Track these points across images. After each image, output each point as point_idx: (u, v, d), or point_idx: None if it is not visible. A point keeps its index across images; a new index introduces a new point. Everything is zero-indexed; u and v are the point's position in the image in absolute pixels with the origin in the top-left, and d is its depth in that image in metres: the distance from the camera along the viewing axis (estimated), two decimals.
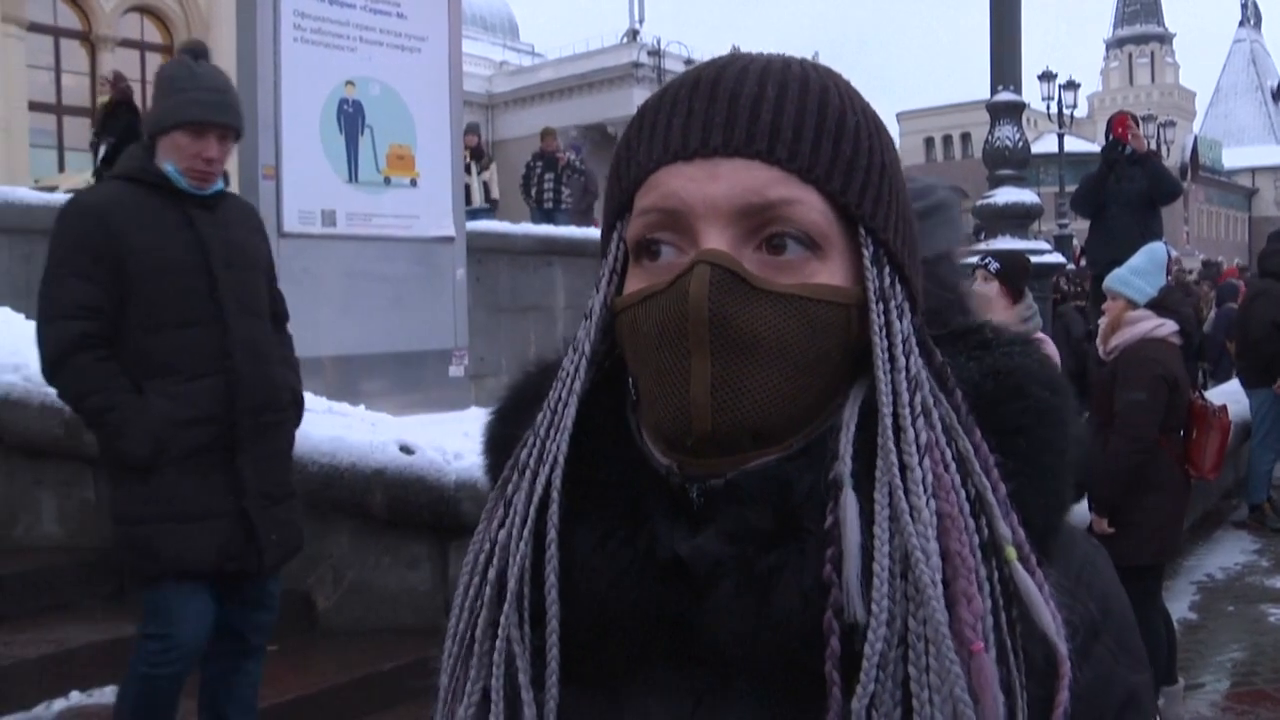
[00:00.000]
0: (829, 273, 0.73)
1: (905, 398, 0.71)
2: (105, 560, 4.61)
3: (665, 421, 0.72)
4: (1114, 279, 4.61)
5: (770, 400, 0.70)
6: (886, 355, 0.72)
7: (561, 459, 0.75)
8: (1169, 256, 5.03)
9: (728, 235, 0.71)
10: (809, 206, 0.72)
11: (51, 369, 2.90)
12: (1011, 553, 0.68)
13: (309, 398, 5.10)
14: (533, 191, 15.65)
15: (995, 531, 0.69)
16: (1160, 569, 4.57)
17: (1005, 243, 6.87)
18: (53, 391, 4.19)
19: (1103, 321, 4.67)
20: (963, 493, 0.69)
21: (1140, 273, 4.56)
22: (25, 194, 7.96)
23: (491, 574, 0.76)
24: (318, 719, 3.90)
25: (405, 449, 4.52)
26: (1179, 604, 6.06)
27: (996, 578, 0.68)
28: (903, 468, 0.69)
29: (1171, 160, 51.67)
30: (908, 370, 0.72)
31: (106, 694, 3.87)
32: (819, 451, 0.72)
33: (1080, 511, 4.63)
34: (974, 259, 5.31)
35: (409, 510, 4.45)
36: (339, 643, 4.42)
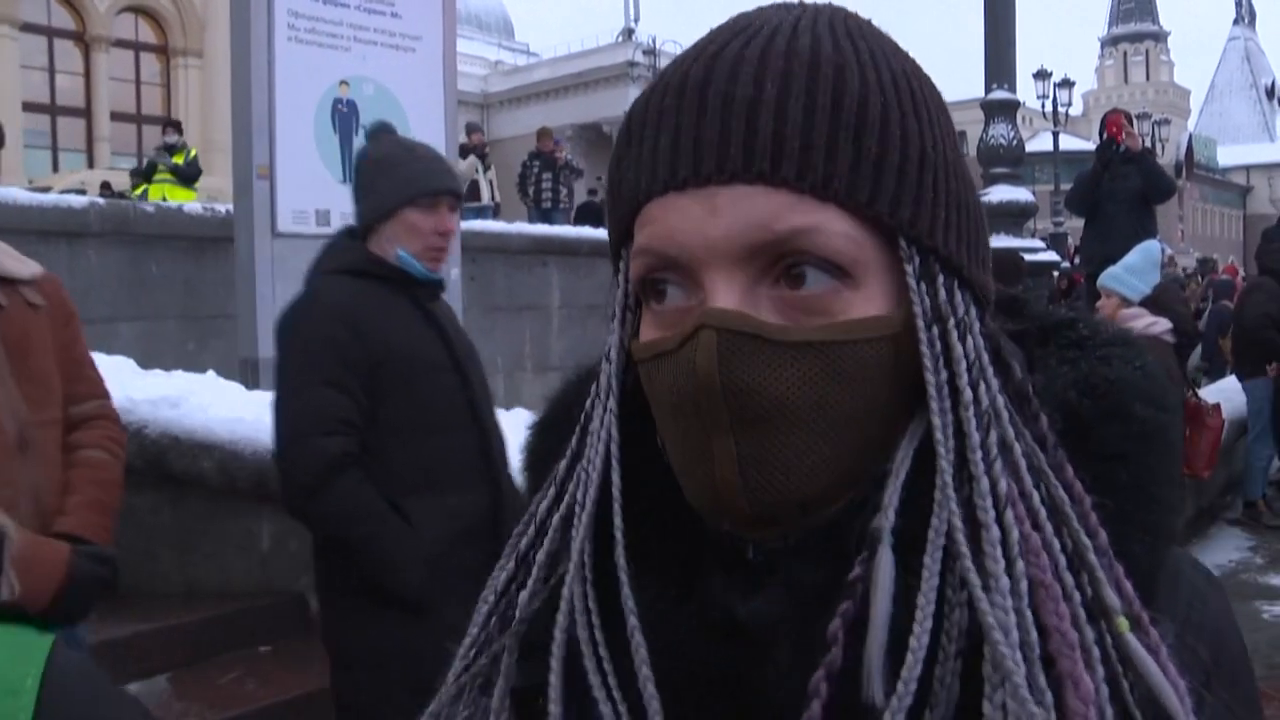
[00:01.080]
0: (864, 301, 0.60)
1: (976, 439, 0.59)
2: None
3: (697, 500, 0.63)
4: (1108, 276, 4.63)
5: (812, 468, 0.60)
6: (947, 389, 0.60)
7: (620, 534, 0.64)
8: (1163, 254, 5.05)
9: (738, 281, 0.60)
10: (830, 232, 0.59)
11: (306, 495, 2.46)
12: (1123, 623, 0.57)
13: None
14: (530, 191, 15.65)
15: (1101, 596, 0.57)
16: None
17: (1000, 241, 6.88)
18: None
19: None
20: (1056, 550, 0.58)
21: (1134, 270, 4.57)
22: (19, 194, 7.95)
23: (558, 634, 0.64)
24: (316, 718, 3.90)
25: None
26: None
27: (1108, 646, 0.57)
28: (976, 525, 0.57)
29: (1166, 158, 51.71)
30: (977, 403, 0.60)
31: None
32: (872, 501, 0.61)
33: None
34: None
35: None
36: None
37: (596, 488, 0.65)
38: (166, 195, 12.35)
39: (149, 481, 4.43)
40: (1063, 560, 0.58)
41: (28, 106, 22.91)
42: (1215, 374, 12.14)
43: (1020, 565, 0.56)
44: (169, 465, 4.32)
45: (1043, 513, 0.58)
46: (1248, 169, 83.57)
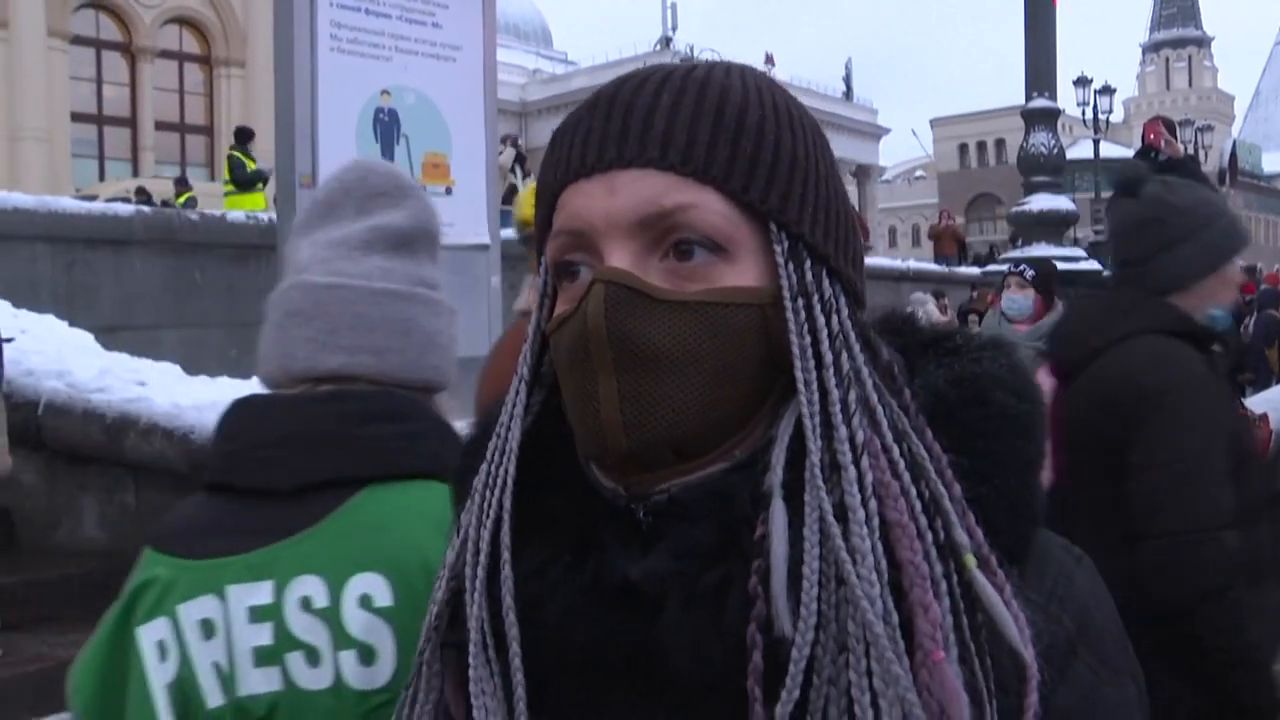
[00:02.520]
0: (738, 274, 0.71)
1: (835, 395, 0.68)
2: None
3: (585, 442, 0.72)
4: None
5: (684, 412, 0.69)
6: (811, 352, 0.70)
7: (510, 480, 0.74)
8: None
9: (630, 249, 0.70)
10: (708, 209, 0.70)
11: (1200, 598, 2.06)
12: (970, 560, 0.66)
13: None
14: None
15: (952, 537, 0.66)
16: None
17: (1040, 250, 6.82)
18: (94, 396, 4.22)
19: None
20: (915, 497, 0.67)
21: None
22: (68, 203, 8.10)
23: (440, 599, 0.76)
24: None
25: None
26: None
27: (956, 583, 0.65)
28: (835, 467, 0.67)
29: (1210, 165, 50.97)
30: (838, 367, 0.70)
31: None
32: (761, 462, 0.70)
33: None
34: (1005, 265, 5.28)
35: None
36: None
37: (513, 453, 0.75)
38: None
39: (194, 486, 4.48)
40: (919, 505, 0.66)
41: (76, 117, 23.34)
42: (1261, 384, 11.94)
43: (874, 504, 0.65)
44: None
45: (902, 464, 0.67)
46: None
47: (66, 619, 4.29)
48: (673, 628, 0.67)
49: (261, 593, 1.09)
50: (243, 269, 8.62)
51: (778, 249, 0.71)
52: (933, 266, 18.78)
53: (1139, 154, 8.11)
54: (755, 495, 0.68)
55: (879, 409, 0.69)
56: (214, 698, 1.08)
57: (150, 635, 1.12)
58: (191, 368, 5.49)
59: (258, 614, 1.08)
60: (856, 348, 0.71)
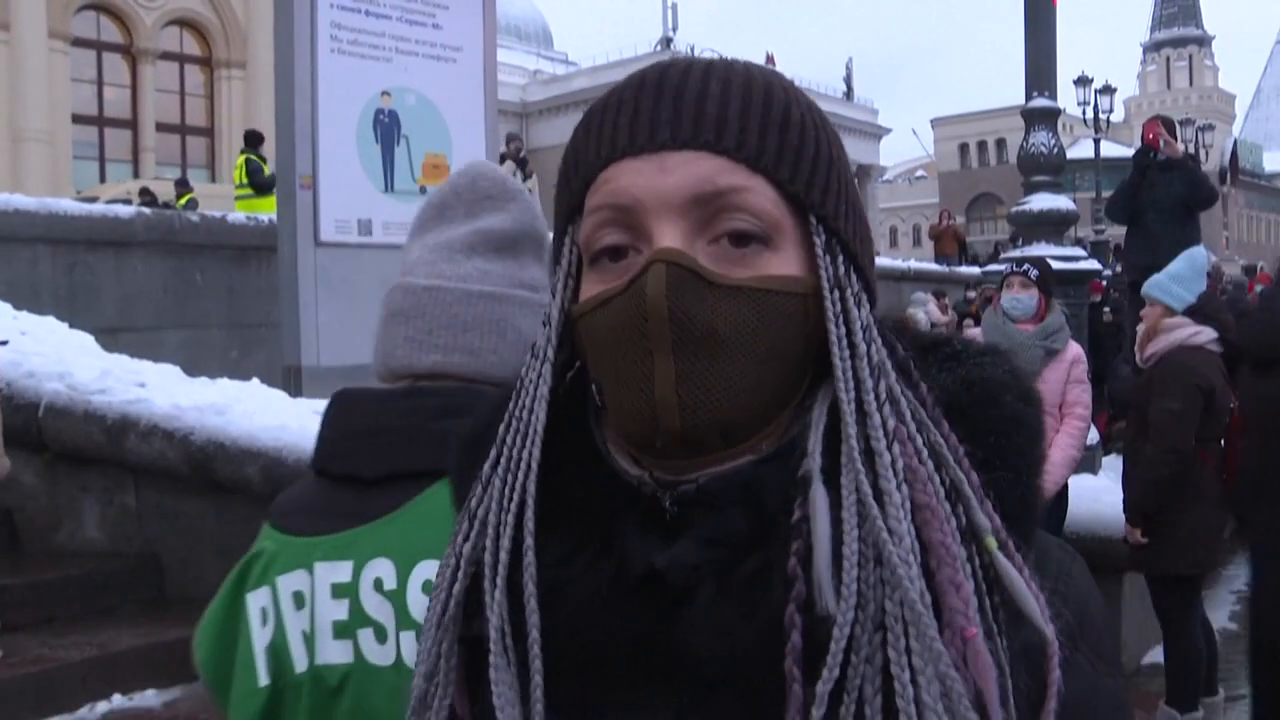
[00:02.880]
0: (782, 262, 0.72)
1: (869, 384, 0.70)
2: (145, 565, 4.68)
3: (632, 423, 0.71)
4: (1152, 285, 4.56)
5: (736, 393, 0.69)
6: (845, 342, 0.71)
7: (535, 464, 0.73)
8: (1209, 262, 4.98)
9: (681, 228, 0.70)
10: (759, 194, 0.71)
11: None
12: (992, 541, 0.68)
13: None
14: None
15: (973, 520, 0.68)
16: (1198, 579, 4.51)
17: (1040, 249, 6.81)
18: (95, 398, 4.26)
19: (1140, 328, 4.62)
20: (938, 482, 0.69)
21: (1179, 279, 4.50)
22: (69, 205, 8.10)
23: (458, 590, 0.75)
24: None
25: None
26: (1219, 614, 5.98)
27: (978, 564, 0.67)
28: (869, 453, 0.68)
29: (1211, 164, 51.03)
30: (869, 358, 0.71)
31: (148, 696, 3.93)
32: (790, 453, 0.71)
33: (1117, 521, 4.60)
34: (1006, 265, 5.29)
35: None
36: None
37: (536, 436, 0.74)
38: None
39: (194, 487, 4.50)
40: (942, 491, 0.68)
41: (77, 119, 23.35)
42: None
43: (905, 489, 0.67)
44: (214, 472, 4.39)
45: (925, 452, 0.70)
46: None
47: (67, 620, 4.29)
48: (701, 616, 0.68)
49: (342, 571, 1.19)
50: (243, 270, 8.62)
51: (818, 241, 0.73)
52: (933, 266, 18.80)
53: (1138, 153, 8.11)
54: (787, 485, 0.69)
55: (902, 400, 0.71)
56: (300, 664, 1.20)
57: (256, 601, 1.24)
58: (192, 369, 5.49)
59: (338, 590, 1.18)
60: (879, 341, 0.73)
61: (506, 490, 0.74)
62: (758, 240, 0.71)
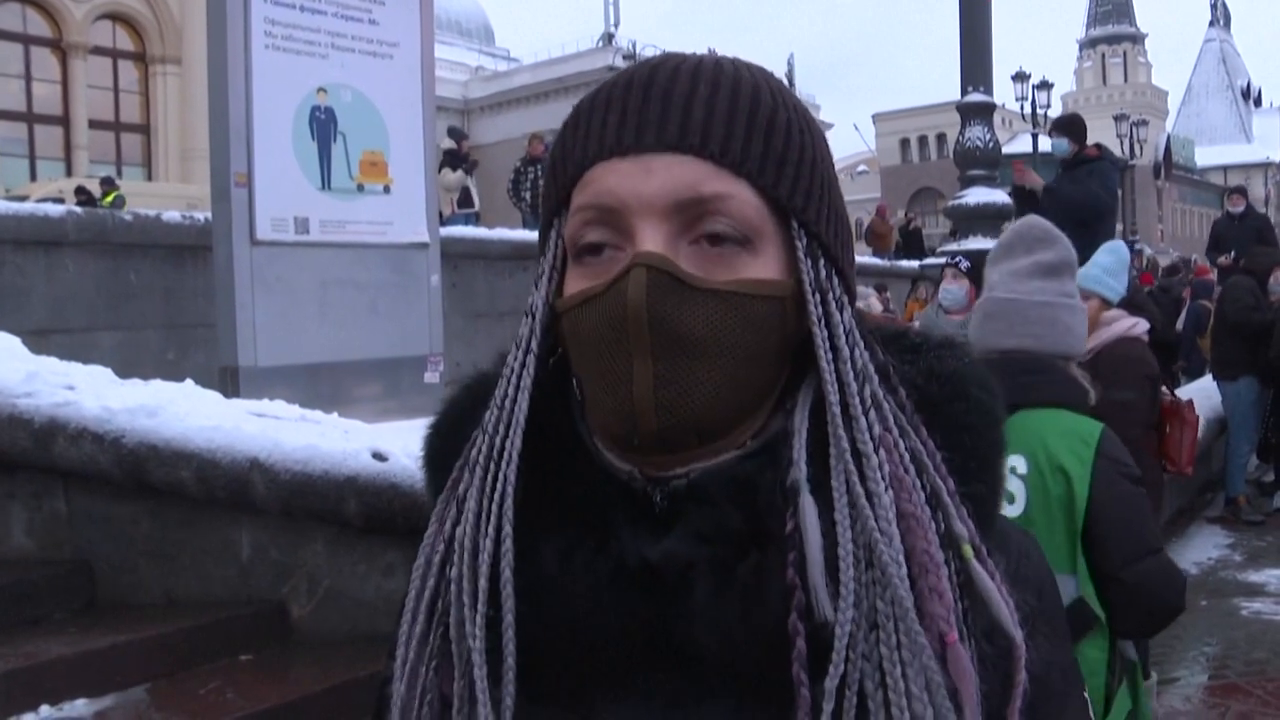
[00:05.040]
0: (762, 266, 0.73)
1: (853, 387, 0.72)
2: (77, 571, 4.58)
3: (611, 420, 0.72)
4: (1088, 279, 4.61)
5: (713, 396, 0.71)
6: (829, 345, 0.73)
7: (515, 454, 0.74)
8: (1146, 255, 5.10)
9: (663, 231, 0.71)
10: (742, 200, 0.72)
11: None
12: (969, 550, 0.70)
13: (281, 405, 5.10)
14: (525, 195, 15.61)
15: (951, 529, 0.71)
16: None
17: (977, 243, 6.90)
18: (21, 401, 4.16)
19: None
20: (920, 490, 0.71)
21: (1111, 272, 4.58)
22: None
23: (451, 573, 0.74)
24: None
25: (378, 456, 4.50)
26: None
27: (953, 570, 0.70)
28: (857, 455, 0.70)
29: (1145, 159, 51.93)
30: (853, 361, 0.73)
31: (77, 707, 3.84)
32: (774, 449, 0.73)
33: None
34: (944, 258, 5.35)
35: (384, 517, 4.43)
36: (315, 651, 4.39)
37: (519, 425, 0.75)
38: None
39: (127, 491, 4.40)
40: (923, 497, 0.71)
41: (4, 115, 22.77)
42: (1193, 373, 12.19)
43: (891, 494, 0.69)
44: (147, 474, 4.30)
45: (908, 457, 0.71)
46: (1225, 169, 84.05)
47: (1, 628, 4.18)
48: (701, 610, 0.70)
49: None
50: (179, 270, 8.46)
51: (799, 245, 0.74)
52: (875, 260, 18.96)
53: (1012, 193, 8.18)
54: (775, 483, 0.71)
55: (885, 405, 0.73)
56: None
57: None
58: (128, 370, 5.37)
59: None
60: (862, 345, 0.75)
61: (489, 479, 0.75)
62: (737, 243, 0.73)
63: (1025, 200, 8.11)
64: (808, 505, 0.69)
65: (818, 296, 0.74)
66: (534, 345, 0.77)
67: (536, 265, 0.80)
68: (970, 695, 0.66)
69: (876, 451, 0.70)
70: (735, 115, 0.73)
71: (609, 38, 39.20)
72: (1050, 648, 0.77)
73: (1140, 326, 4.41)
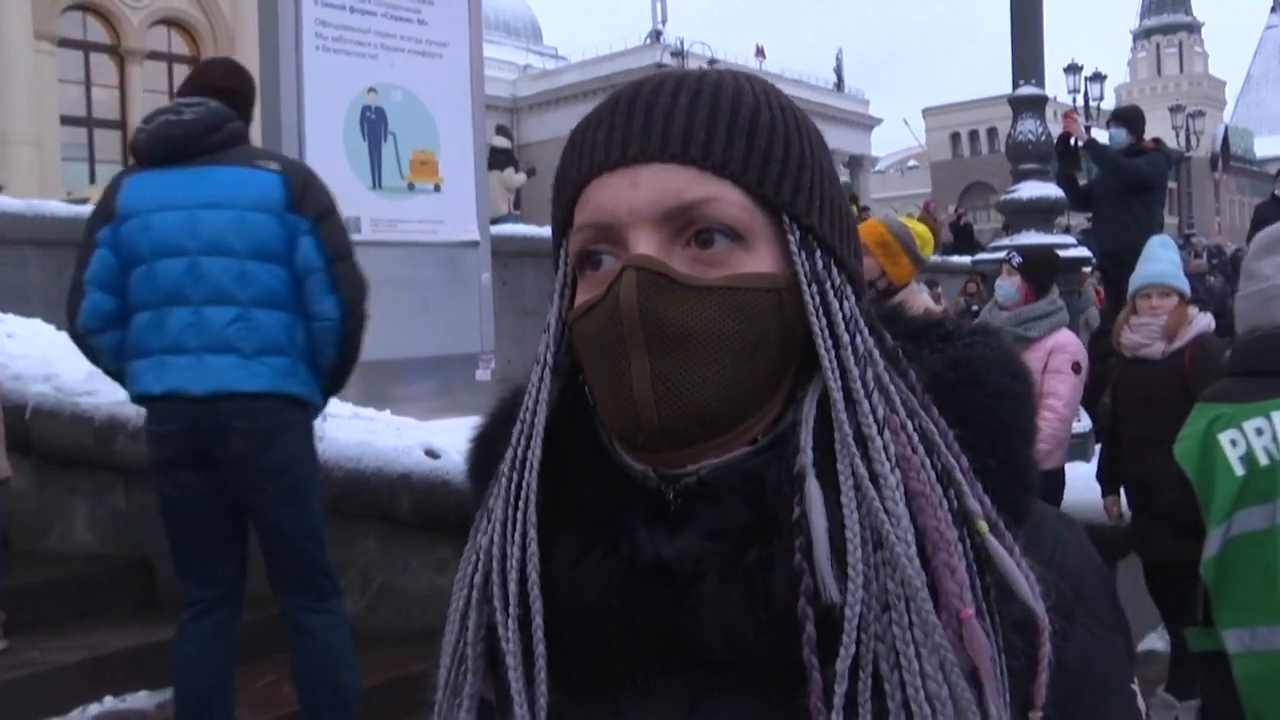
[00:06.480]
0: (755, 261, 0.75)
1: (855, 372, 0.74)
2: (136, 566, 4.67)
3: (616, 420, 0.75)
4: (1165, 275, 4.51)
5: (711, 389, 0.73)
6: (828, 333, 0.75)
7: (536, 462, 0.77)
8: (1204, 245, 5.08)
9: (656, 238, 0.74)
10: (727, 201, 0.75)
11: None
12: (983, 525, 0.70)
13: (334, 403, 5.15)
14: None
15: (964, 504, 0.71)
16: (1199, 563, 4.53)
17: (1030, 237, 6.81)
18: (83, 399, 4.24)
19: (1145, 317, 4.51)
20: (930, 468, 0.71)
21: (1181, 268, 4.55)
22: (57, 207, 8.07)
23: (478, 580, 0.78)
24: None
25: (430, 453, 4.55)
26: None
27: (969, 546, 0.70)
28: (861, 439, 0.71)
29: (1202, 150, 51.01)
30: (854, 347, 0.75)
31: (140, 698, 3.92)
32: (785, 443, 0.74)
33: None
34: (999, 253, 5.29)
35: (436, 514, 4.47)
36: (368, 646, 4.44)
37: (539, 435, 0.78)
38: None
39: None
40: (933, 476, 0.71)
41: (65, 120, 23.24)
42: None
43: (899, 474, 0.70)
44: None
45: (916, 438, 0.72)
46: None
47: (58, 623, 4.28)
48: (707, 604, 0.71)
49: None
50: None
51: (791, 238, 0.76)
52: (930, 256, 18.77)
53: (1057, 141, 8.09)
54: (785, 477, 0.72)
55: (891, 388, 0.74)
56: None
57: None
58: None
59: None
60: (866, 331, 0.77)
61: (512, 487, 0.78)
62: (729, 242, 0.75)
63: (1067, 154, 7.99)
64: (813, 490, 0.70)
65: (814, 287, 0.76)
66: (549, 359, 0.81)
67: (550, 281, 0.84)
68: (988, 668, 0.66)
69: (881, 434, 0.71)
70: (716, 120, 0.76)
71: (657, 35, 39.22)
72: (1090, 639, 0.77)
73: (1212, 321, 4.46)
